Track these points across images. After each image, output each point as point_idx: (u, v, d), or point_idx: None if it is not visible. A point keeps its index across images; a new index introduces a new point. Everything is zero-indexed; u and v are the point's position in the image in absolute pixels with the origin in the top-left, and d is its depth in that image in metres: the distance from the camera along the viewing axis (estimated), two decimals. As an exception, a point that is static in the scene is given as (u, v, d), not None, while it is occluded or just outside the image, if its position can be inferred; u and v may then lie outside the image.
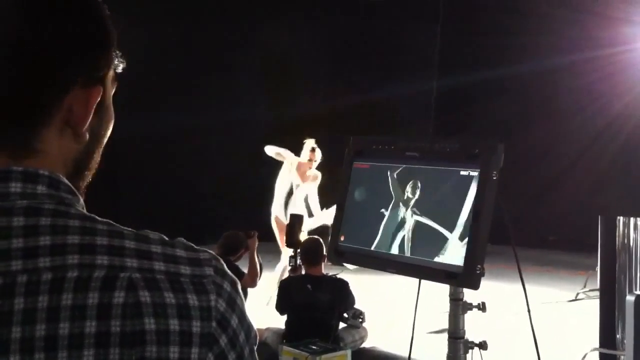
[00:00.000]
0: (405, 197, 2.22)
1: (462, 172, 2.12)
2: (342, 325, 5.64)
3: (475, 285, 2.06)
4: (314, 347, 5.02)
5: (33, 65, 0.80)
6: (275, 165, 7.58)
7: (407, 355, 5.55)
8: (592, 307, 7.18)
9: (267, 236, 7.21)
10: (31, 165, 0.79)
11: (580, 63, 8.99)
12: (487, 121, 9.65)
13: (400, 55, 10.44)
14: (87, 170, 0.89)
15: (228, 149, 11.10)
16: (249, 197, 10.41)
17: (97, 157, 0.91)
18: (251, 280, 5.63)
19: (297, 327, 5.40)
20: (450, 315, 2.31)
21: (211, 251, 0.83)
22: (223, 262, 0.83)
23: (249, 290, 5.74)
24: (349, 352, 5.09)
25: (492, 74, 9.34)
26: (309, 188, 7.42)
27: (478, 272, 2.04)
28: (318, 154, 7.40)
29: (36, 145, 0.81)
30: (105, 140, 0.92)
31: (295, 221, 6.16)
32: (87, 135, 0.86)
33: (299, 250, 5.94)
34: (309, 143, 7.46)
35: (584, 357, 5.13)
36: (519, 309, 5.99)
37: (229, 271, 0.83)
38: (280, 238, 7.02)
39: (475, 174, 2.09)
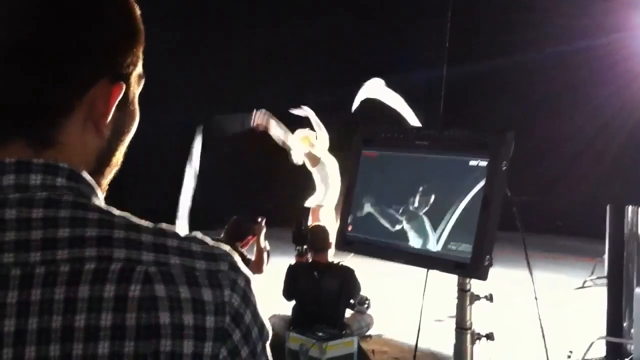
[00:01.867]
0: (410, 192, 2.20)
1: (471, 162, 2.10)
2: (348, 312, 5.65)
3: (483, 276, 2.05)
4: (320, 333, 5.03)
5: (57, 59, 0.80)
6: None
7: (413, 342, 5.57)
8: (599, 295, 7.18)
9: (276, 221, 7.21)
10: (51, 156, 0.80)
11: (588, 50, 8.92)
12: (496, 112, 9.60)
13: (407, 47, 10.38)
14: (108, 167, 0.89)
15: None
16: (257, 183, 10.47)
17: (119, 155, 0.90)
18: (257, 267, 5.63)
19: (304, 313, 5.41)
20: (457, 306, 2.30)
21: (226, 246, 0.83)
22: (238, 258, 0.83)
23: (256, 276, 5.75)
24: (355, 339, 5.10)
25: (500, 64, 9.28)
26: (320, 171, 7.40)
27: (486, 263, 2.03)
28: (312, 137, 7.38)
29: (57, 137, 0.81)
30: (129, 137, 0.92)
31: (305, 214, 6.14)
32: (109, 131, 0.86)
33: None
34: (300, 133, 7.46)
35: (591, 345, 5.13)
36: (526, 297, 6.00)
37: (243, 266, 0.83)
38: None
39: (484, 164, 2.07)
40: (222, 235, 5.79)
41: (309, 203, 6.98)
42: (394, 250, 2.24)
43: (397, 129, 2.28)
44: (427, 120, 9.71)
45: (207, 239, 0.82)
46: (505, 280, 6.64)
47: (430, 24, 9.72)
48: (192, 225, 10.44)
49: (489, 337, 2.31)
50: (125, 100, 0.87)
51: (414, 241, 2.20)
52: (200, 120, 8.61)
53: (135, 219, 0.80)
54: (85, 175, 0.82)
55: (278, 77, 11.47)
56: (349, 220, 2.37)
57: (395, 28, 10.99)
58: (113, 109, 0.85)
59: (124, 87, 0.86)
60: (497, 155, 2.04)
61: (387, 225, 2.27)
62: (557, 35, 9.16)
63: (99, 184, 0.87)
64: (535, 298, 2.54)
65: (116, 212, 0.80)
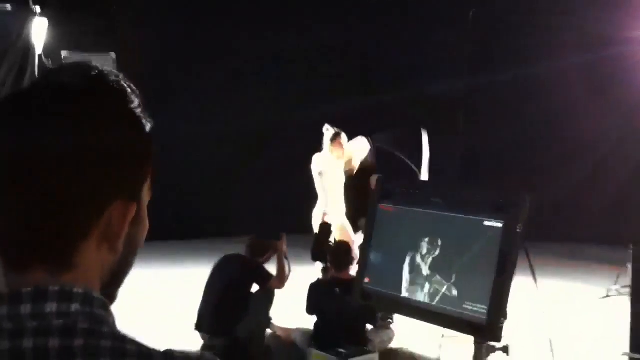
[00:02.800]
0: (425, 249, 2.22)
1: (486, 222, 2.12)
2: (370, 326, 5.68)
3: (498, 338, 2.07)
4: (342, 350, 5.08)
5: (73, 184, 0.83)
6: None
7: (434, 356, 5.58)
8: (623, 305, 7.12)
9: (299, 229, 7.18)
10: (68, 279, 0.83)
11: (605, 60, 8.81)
12: (520, 118, 9.50)
13: (429, 56, 10.31)
14: (123, 276, 0.93)
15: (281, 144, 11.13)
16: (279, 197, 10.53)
17: (132, 263, 0.94)
18: (279, 282, 5.67)
19: (326, 329, 5.45)
20: (473, 357, 2.32)
21: None
22: None
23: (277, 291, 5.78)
24: (376, 356, 5.14)
25: (523, 72, 9.18)
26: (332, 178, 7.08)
27: (501, 325, 2.05)
28: (344, 140, 6.83)
29: (74, 260, 0.84)
30: (140, 246, 0.95)
31: (323, 231, 6.10)
32: (123, 247, 0.89)
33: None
34: (327, 131, 6.89)
35: (614, 362, 5.11)
36: (546, 308, 5.98)
37: None
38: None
39: (499, 225, 2.08)
40: (244, 252, 5.85)
41: (330, 219, 6.86)
42: (409, 306, 2.27)
43: (414, 184, 2.30)
44: (448, 126, 9.67)
45: None
46: (522, 291, 6.62)
47: (450, 34, 9.70)
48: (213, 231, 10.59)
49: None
50: (137, 216, 0.90)
51: (428, 297, 2.22)
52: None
53: (145, 347, 0.83)
54: (99, 296, 0.85)
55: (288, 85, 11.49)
56: (366, 272, 2.40)
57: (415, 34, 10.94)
58: (127, 227, 0.88)
59: (137, 204, 0.89)
60: (513, 218, 2.06)
61: (401, 279, 2.30)
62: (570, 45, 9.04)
63: (113, 295, 0.91)
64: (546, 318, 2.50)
65: (128, 338, 0.83)
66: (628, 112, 9.06)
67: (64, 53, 8.21)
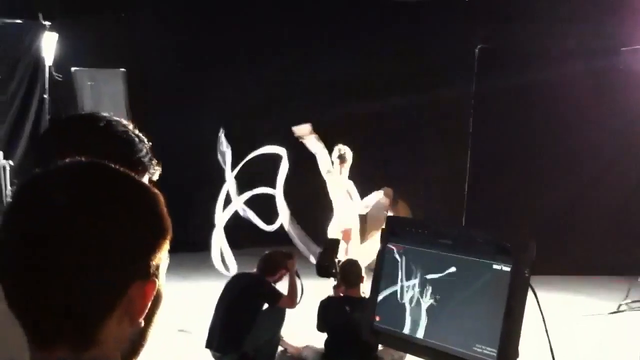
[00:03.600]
0: (434, 289, 2.24)
1: (494, 266, 2.13)
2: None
3: (508, 382, 2.09)
4: (352, 368, 5.10)
5: (98, 268, 0.86)
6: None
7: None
8: (634, 320, 7.08)
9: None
10: (91, 355, 0.87)
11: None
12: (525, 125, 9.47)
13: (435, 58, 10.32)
14: (141, 346, 0.97)
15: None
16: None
17: (149, 333, 0.97)
18: (290, 301, 5.68)
19: (337, 347, 5.47)
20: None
21: None
22: None
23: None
24: (387, 374, 5.16)
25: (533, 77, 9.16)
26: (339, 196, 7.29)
27: (511, 367, 2.07)
28: (348, 159, 7.26)
29: (97, 337, 0.88)
30: (157, 315, 0.98)
31: (330, 246, 6.12)
32: (143, 321, 0.93)
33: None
34: (337, 150, 7.30)
35: (625, 379, 5.11)
36: (559, 322, 5.96)
37: None
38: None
39: (507, 269, 2.10)
40: (255, 270, 5.87)
41: (332, 232, 6.98)
42: (419, 345, 2.28)
43: (422, 224, 2.32)
44: (455, 131, 9.65)
45: None
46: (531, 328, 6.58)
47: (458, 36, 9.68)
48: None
49: None
50: (156, 293, 0.94)
51: (438, 338, 2.23)
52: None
53: None
54: None
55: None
56: (375, 311, 2.42)
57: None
58: (148, 304, 0.92)
59: (157, 281, 0.93)
60: (520, 263, 2.07)
61: (411, 319, 2.31)
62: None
63: None
64: (552, 352, 2.48)
65: None
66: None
67: (73, 69, 8.26)
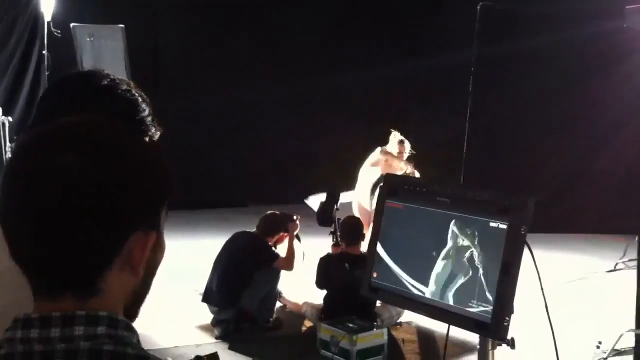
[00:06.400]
0: (432, 247, 2.26)
1: (491, 224, 2.15)
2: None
3: (503, 337, 2.12)
4: (351, 324, 5.16)
5: (98, 218, 0.88)
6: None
7: (443, 330, 5.66)
8: (630, 279, 7.12)
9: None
10: (94, 304, 0.90)
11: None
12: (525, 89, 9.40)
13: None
14: (143, 296, 1.00)
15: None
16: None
17: (151, 283, 1.01)
18: (286, 263, 5.68)
19: (335, 304, 5.53)
20: (479, 351, 2.37)
21: None
22: None
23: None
24: (385, 330, 5.22)
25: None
26: None
27: (506, 324, 2.10)
28: (407, 147, 7.35)
29: (99, 286, 0.91)
30: (159, 266, 1.01)
31: (328, 198, 6.10)
32: (144, 270, 0.95)
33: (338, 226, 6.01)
34: (395, 135, 7.40)
35: (620, 337, 5.17)
36: (552, 282, 6.01)
37: None
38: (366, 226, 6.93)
39: (504, 226, 2.12)
40: (255, 229, 5.89)
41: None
42: (416, 301, 2.32)
43: (420, 183, 2.33)
44: (457, 103, 9.60)
45: None
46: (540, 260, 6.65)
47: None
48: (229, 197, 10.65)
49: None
50: (156, 243, 0.96)
51: (433, 294, 2.27)
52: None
53: None
54: (122, 318, 0.92)
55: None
56: (373, 268, 2.45)
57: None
58: (147, 254, 0.94)
59: (157, 232, 0.95)
60: (517, 221, 2.09)
61: (408, 275, 2.34)
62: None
63: (135, 313, 0.98)
64: (546, 308, 2.48)
65: (152, 357, 0.90)
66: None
67: (72, 24, 8.17)
